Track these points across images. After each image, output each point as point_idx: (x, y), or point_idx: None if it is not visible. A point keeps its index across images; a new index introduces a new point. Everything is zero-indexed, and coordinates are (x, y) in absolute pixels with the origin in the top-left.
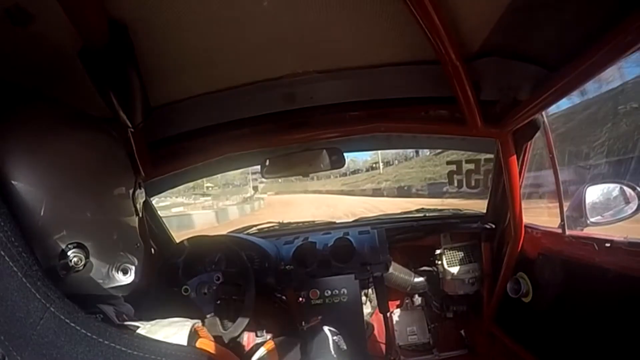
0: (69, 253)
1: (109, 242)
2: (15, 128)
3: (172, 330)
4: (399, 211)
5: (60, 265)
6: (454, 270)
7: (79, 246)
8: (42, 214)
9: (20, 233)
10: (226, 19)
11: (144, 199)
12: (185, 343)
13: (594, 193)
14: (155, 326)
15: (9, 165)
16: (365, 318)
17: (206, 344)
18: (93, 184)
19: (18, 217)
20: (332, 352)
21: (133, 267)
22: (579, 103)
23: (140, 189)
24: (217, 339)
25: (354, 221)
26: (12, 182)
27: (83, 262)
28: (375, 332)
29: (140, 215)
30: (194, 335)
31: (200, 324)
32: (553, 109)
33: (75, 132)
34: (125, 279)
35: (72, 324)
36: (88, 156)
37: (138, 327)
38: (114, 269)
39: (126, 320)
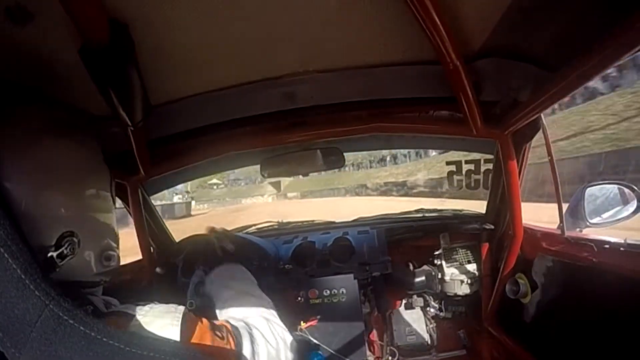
0: (62, 242)
1: (96, 231)
2: (11, 131)
3: (166, 321)
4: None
5: (56, 253)
6: (453, 270)
7: (72, 234)
8: (35, 209)
9: (19, 231)
10: (226, 18)
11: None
12: (178, 334)
13: (593, 194)
14: (147, 316)
15: (2, 166)
16: (363, 318)
17: (200, 336)
18: (79, 181)
19: (14, 215)
20: None
21: (115, 254)
22: None
23: (113, 183)
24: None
25: (353, 221)
26: (4, 180)
27: (76, 250)
28: (374, 332)
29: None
30: (186, 326)
31: (191, 313)
32: None
33: (61, 135)
34: (108, 264)
35: (71, 321)
36: (73, 157)
37: (133, 315)
38: (99, 256)
39: (114, 308)
